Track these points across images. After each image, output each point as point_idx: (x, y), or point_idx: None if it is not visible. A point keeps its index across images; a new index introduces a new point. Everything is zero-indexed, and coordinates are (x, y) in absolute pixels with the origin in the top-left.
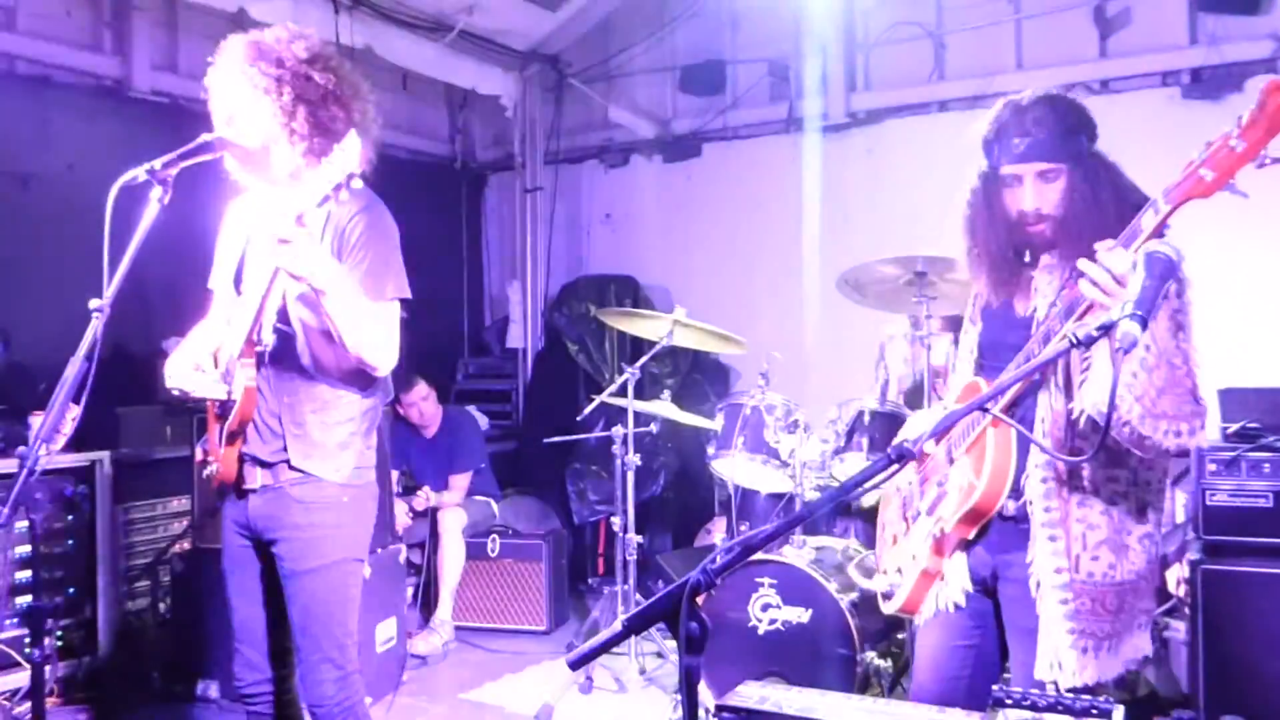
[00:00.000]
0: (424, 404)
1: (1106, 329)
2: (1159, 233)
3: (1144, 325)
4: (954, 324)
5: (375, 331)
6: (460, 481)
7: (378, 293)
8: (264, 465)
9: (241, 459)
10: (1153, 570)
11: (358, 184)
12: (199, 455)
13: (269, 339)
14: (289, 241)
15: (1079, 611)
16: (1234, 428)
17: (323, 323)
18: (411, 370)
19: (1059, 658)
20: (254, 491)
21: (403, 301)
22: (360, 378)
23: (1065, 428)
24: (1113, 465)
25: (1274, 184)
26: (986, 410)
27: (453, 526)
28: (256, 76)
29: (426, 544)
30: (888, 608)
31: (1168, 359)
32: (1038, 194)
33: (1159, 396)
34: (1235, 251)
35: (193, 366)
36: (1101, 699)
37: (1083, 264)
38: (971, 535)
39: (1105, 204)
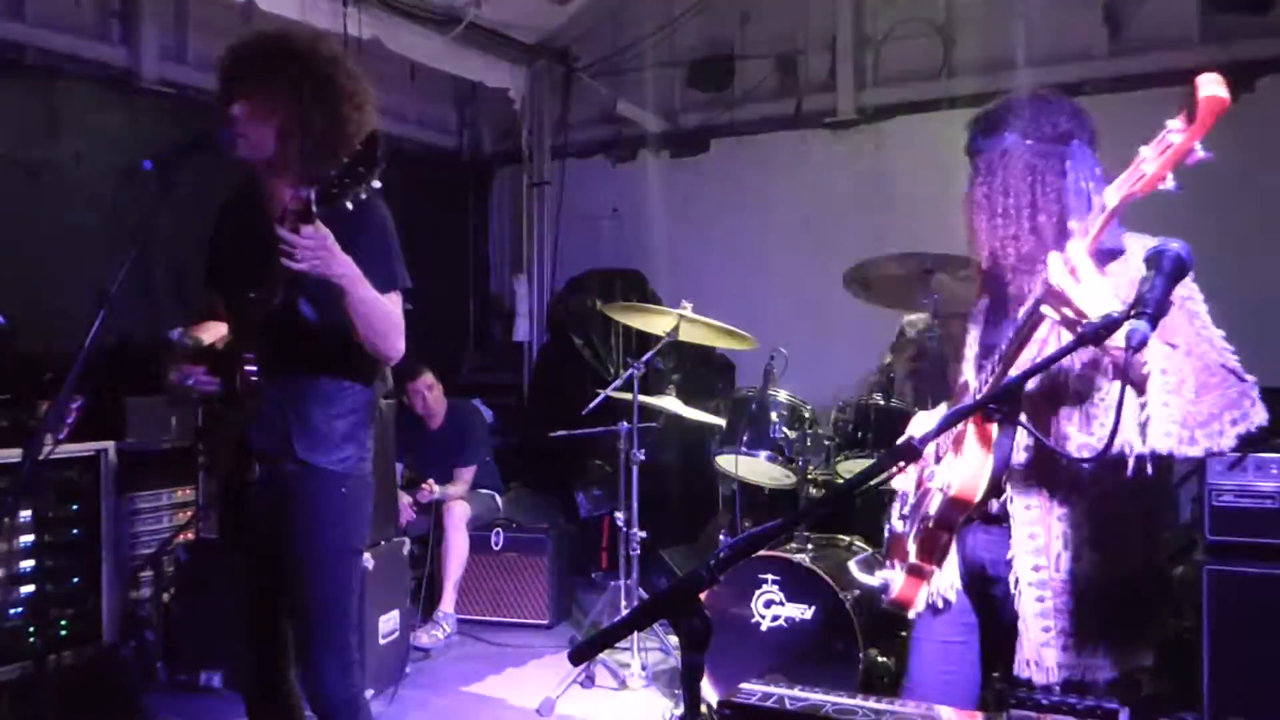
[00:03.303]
0: (429, 393)
1: (1113, 324)
2: (1107, 231)
3: (1153, 324)
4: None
5: (388, 322)
6: (465, 475)
7: (383, 283)
8: (264, 458)
9: (241, 452)
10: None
11: (376, 183)
12: (198, 447)
13: (274, 334)
14: (307, 239)
15: (1057, 609)
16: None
17: (327, 316)
18: (417, 360)
19: (1036, 655)
20: (253, 484)
21: (405, 292)
22: (363, 370)
23: (1052, 429)
24: (1099, 465)
25: None
26: (991, 408)
27: (456, 520)
28: (278, 72)
29: (430, 537)
30: (884, 601)
31: (1196, 353)
32: None
33: (1197, 404)
34: (1241, 250)
35: (195, 361)
36: (1106, 699)
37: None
38: (953, 534)
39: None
